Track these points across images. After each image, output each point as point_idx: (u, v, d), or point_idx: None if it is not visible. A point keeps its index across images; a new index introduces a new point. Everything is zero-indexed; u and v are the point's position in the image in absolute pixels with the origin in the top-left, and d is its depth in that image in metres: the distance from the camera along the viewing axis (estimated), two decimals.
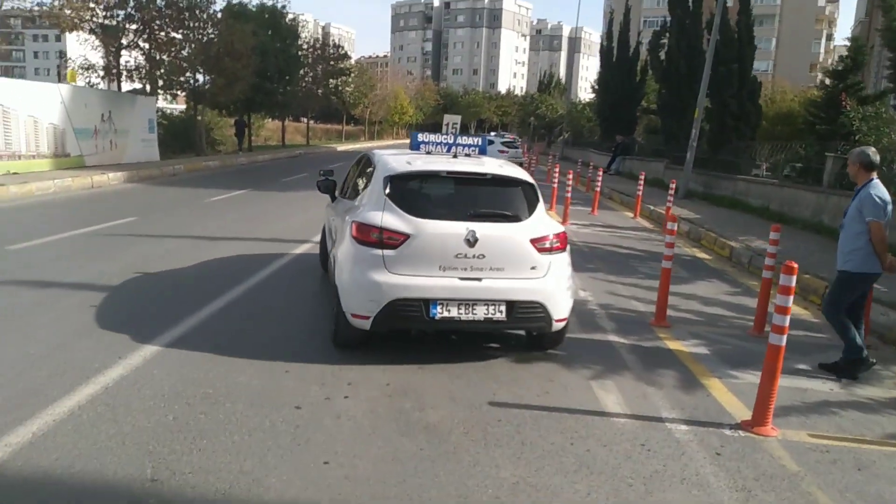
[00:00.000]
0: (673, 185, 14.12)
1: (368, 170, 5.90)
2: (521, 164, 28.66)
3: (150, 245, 9.12)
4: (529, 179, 5.60)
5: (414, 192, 5.26)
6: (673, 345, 6.08)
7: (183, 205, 13.81)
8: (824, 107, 39.65)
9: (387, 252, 4.92)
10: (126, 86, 24.74)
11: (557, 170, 16.35)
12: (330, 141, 56.46)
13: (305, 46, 39.80)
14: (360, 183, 5.99)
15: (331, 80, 43.35)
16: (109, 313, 5.93)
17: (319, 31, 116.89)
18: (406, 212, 5.01)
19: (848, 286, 5.50)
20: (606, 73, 34.30)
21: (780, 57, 75.66)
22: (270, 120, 51.65)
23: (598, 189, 16.27)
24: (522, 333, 5.84)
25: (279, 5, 32.12)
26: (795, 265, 4.25)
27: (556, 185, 16.23)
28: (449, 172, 5.33)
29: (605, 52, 34.37)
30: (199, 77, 26.89)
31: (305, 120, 49.40)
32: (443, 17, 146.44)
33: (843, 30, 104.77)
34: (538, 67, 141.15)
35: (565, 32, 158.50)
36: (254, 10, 31.60)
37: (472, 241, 4.92)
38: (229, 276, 7.49)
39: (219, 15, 26.20)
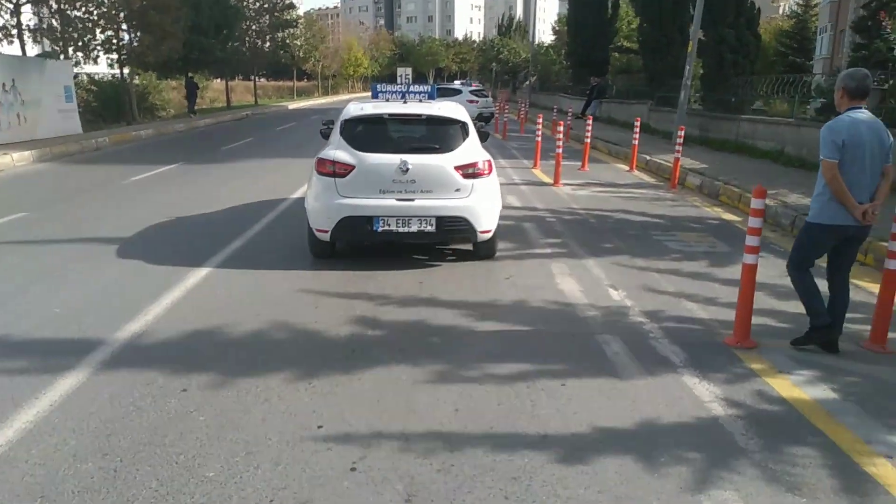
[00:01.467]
0: (682, 133, 11.98)
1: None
2: (492, 115, 26.44)
3: (25, 257, 6.75)
4: (461, 118, 6.56)
5: (362, 132, 6.40)
6: (780, 385, 4.05)
7: (94, 189, 11.30)
8: (796, 36, 37.69)
9: (338, 180, 6.06)
10: (36, 49, 21.57)
11: (540, 121, 14.10)
12: (282, 99, 53.00)
13: None
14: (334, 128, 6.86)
15: (277, 34, 39.96)
16: None
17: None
18: (354, 147, 6.18)
19: (807, 238, 4.60)
20: (575, 11, 31.67)
21: None
22: (218, 80, 48.20)
23: (588, 140, 14.10)
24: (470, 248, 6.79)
25: None
26: None
27: (539, 138, 14.04)
28: (390, 115, 6.53)
29: None
30: (125, 36, 23.69)
31: (254, 78, 45.87)
32: None
33: None
34: (495, 12, 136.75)
35: None
36: None
37: (404, 170, 5.99)
38: (105, 323, 5.21)
39: None
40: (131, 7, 22.14)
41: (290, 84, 59.83)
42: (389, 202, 6.04)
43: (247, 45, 38.29)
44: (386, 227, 6.05)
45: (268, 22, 39.99)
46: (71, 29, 19.88)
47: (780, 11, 58.65)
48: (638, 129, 13.95)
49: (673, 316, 5.29)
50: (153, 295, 5.50)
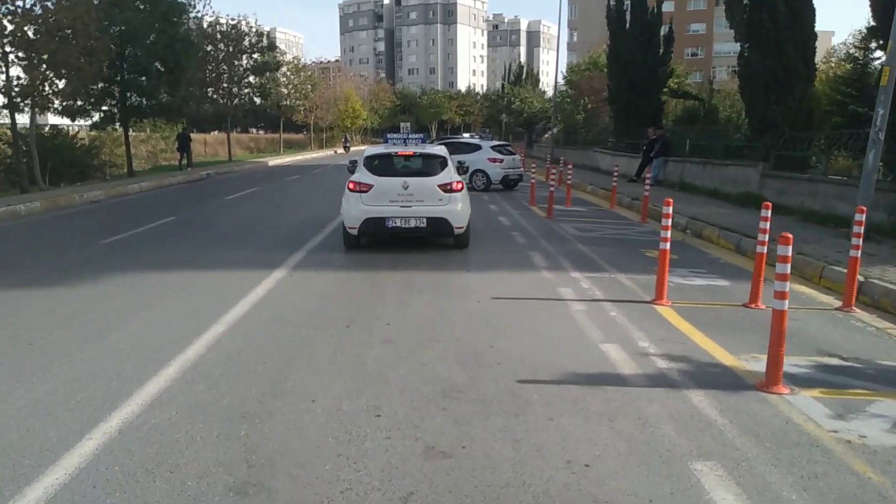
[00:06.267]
0: None
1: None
2: (520, 178, 19.76)
3: None
4: (442, 154, 10.05)
5: (378, 163, 9.85)
6: None
7: None
8: (856, 83, 31.15)
9: (363, 195, 9.37)
10: None
11: (669, 214, 7.15)
12: (269, 153, 46.69)
13: (210, 28, 30.18)
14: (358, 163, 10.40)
15: (252, 78, 33.75)
16: None
17: (265, 40, 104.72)
18: (372, 173, 9.62)
19: None
20: (617, 48, 25.25)
21: None
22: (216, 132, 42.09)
23: (764, 250, 7.07)
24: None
25: None
26: None
27: (666, 244, 7.03)
28: (396, 153, 9.99)
29: (613, 18, 25.33)
30: (16, 72, 17.15)
31: (252, 130, 39.64)
32: (394, 15, 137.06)
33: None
34: (496, 64, 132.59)
35: (523, 26, 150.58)
36: None
37: (405, 187, 9.36)
38: None
39: None
40: (17, 34, 15.66)
41: (285, 137, 53.77)
42: (396, 208, 9.30)
43: (216, 90, 32.09)
44: (394, 225, 9.31)
45: (244, 66, 33.90)
46: None
47: (825, 51, 51.13)
48: (861, 227, 7.00)
49: None
50: None
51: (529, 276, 8.27)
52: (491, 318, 6.28)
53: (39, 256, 9.57)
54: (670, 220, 7.01)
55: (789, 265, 4.68)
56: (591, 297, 7.17)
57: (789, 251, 4.67)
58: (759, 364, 5.11)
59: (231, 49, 32.44)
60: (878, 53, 38.47)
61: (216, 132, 50.28)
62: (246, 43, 33.16)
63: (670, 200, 7.10)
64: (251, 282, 7.57)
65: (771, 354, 4.70)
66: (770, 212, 7.03)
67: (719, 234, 11.34)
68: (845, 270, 8.07)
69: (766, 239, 6.95)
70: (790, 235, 4.71)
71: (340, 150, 51.82)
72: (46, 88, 17.06)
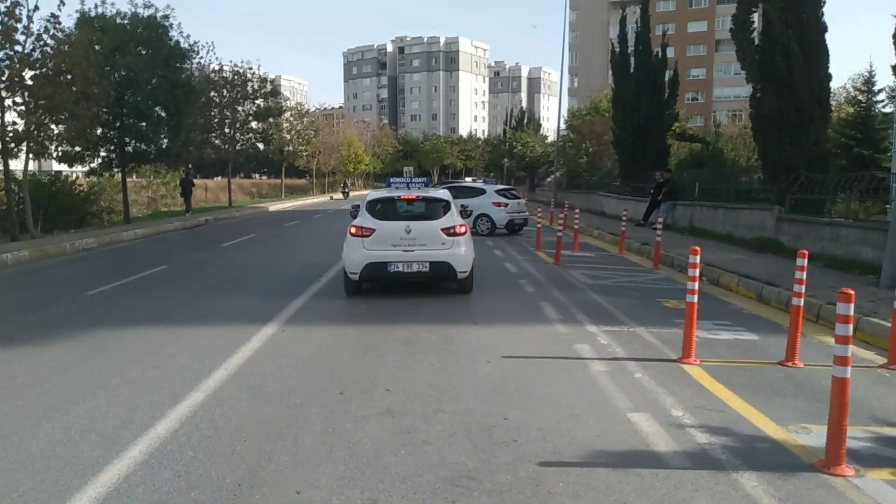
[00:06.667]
0: None
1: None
2: (525, 222, 19.24)
3: None
4: (445, 198, 9.92)
5: (380, 207, 9.76)
6: None
7: None
8: (860, 126, 30.98)
9: (364, 239, 9.23)
10: None
11: (697, 265, 6.57)
12: (271, 198, 46.50)
13: (213, 75, 30.14)
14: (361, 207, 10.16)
15: (254, 123, 33.62)
16: None
17: (268, 85, 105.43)
18: (375, 217, 9.52)
19: None
20: (622, 91, 25.05)
21: None
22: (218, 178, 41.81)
23: (800, 302, 6.41)
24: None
25: (158, 14, 22.12)
26: None
27: (694, 297, 6.39)
28: (399, 196, 9.84)
29: (618, 63, 25.17)
30: (11, 117, 16.82)
31: (255, 176, 39.49)
32: (397, 63, 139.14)
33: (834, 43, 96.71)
34: (498, 110, 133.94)
35: (524, 73, 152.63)
36: (125, 22, 21.60)
37: (408, 231, 9.24)
38: None
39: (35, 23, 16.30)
40: (14, 78, 15.37)
41: (287, 182, 53.69)
42: (398, 252, 9.14)
43: (218, 136, 31.94)
44: (396, 269, 9.12)
45: (247, 111, 33.84)
46: None
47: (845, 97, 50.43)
48: None
49: None
50: None
51: (542, 330, 7.63)
52: (503, 382, 5.62)
53: (16, 310, 8.97)
54: (698, 271, 6.42)
55: (851, 326, 4.05)
56: (612, 355, 6.52)
57: (851, 310, 4.04)
58: (811, 437, 4.47)
59: (235, 94, 32.40)
60: (882, 97, 38.27)
61: (219, 178, 50.23)
62: (249, 89, 33.14)
63: (697, 249, 6.50)
64: (239, 339, 6.95)
65: (832, 429, 4.04)
66: (806, 260, 6.44)
67: (738, 281, 10.73)
68: (883, 322, 7.54)
69: (803, 290, 6.34)
70: (851, 291, 4.09)
71: (339, 196, 51.38)
72: (41, 134, 16.68)
